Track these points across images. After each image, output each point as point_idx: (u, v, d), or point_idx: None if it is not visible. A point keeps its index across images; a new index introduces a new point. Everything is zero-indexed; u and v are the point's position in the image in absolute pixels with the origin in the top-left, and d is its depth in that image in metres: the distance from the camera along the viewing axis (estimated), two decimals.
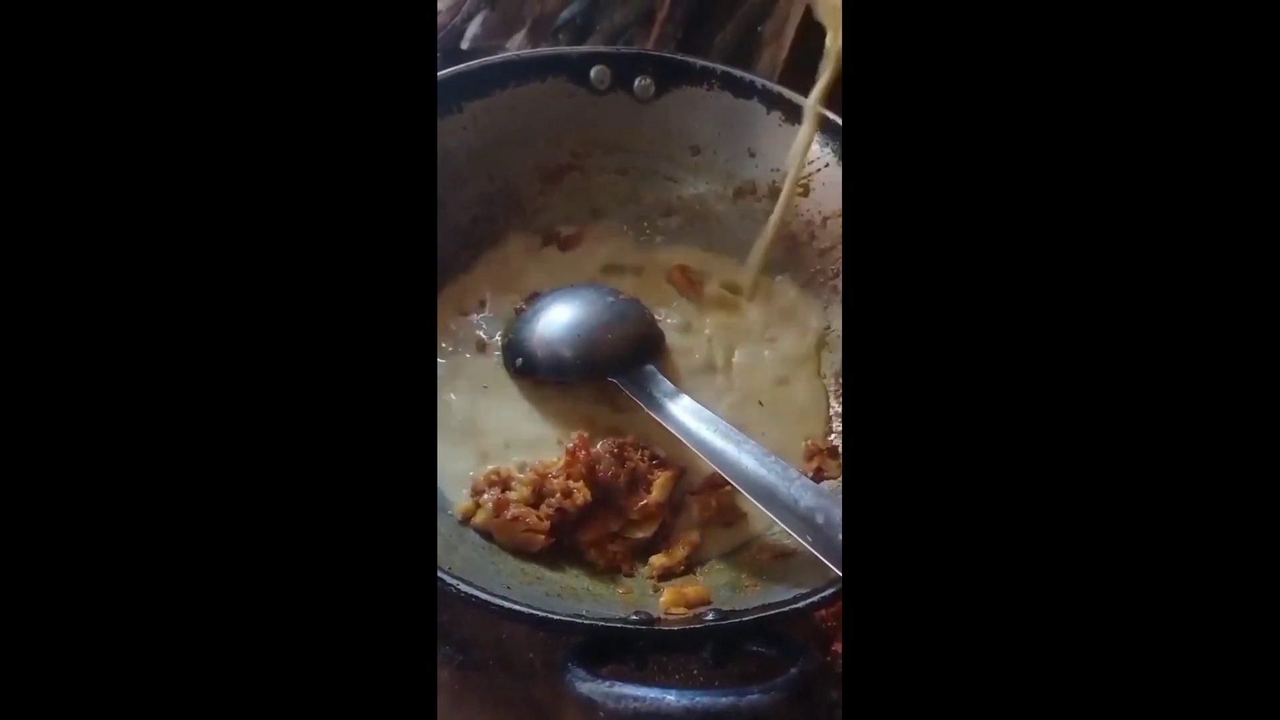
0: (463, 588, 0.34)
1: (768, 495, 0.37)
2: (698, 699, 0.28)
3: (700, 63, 0.49)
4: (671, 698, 0.28)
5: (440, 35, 0.58)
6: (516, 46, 0.59)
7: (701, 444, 0.40)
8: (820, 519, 0.36)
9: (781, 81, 0.54)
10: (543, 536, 0.40)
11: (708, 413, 0.41)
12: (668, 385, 0.43)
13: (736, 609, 0.36)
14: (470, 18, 0.59)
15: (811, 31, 0.56)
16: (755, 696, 0.28)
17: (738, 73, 0.49)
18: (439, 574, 0.34)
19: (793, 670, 0.29)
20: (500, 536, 0.41)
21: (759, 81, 0.49)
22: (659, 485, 0.42)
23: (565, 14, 0.60)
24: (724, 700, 0.28)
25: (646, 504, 0.42)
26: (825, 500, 0.36)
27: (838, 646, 0.43)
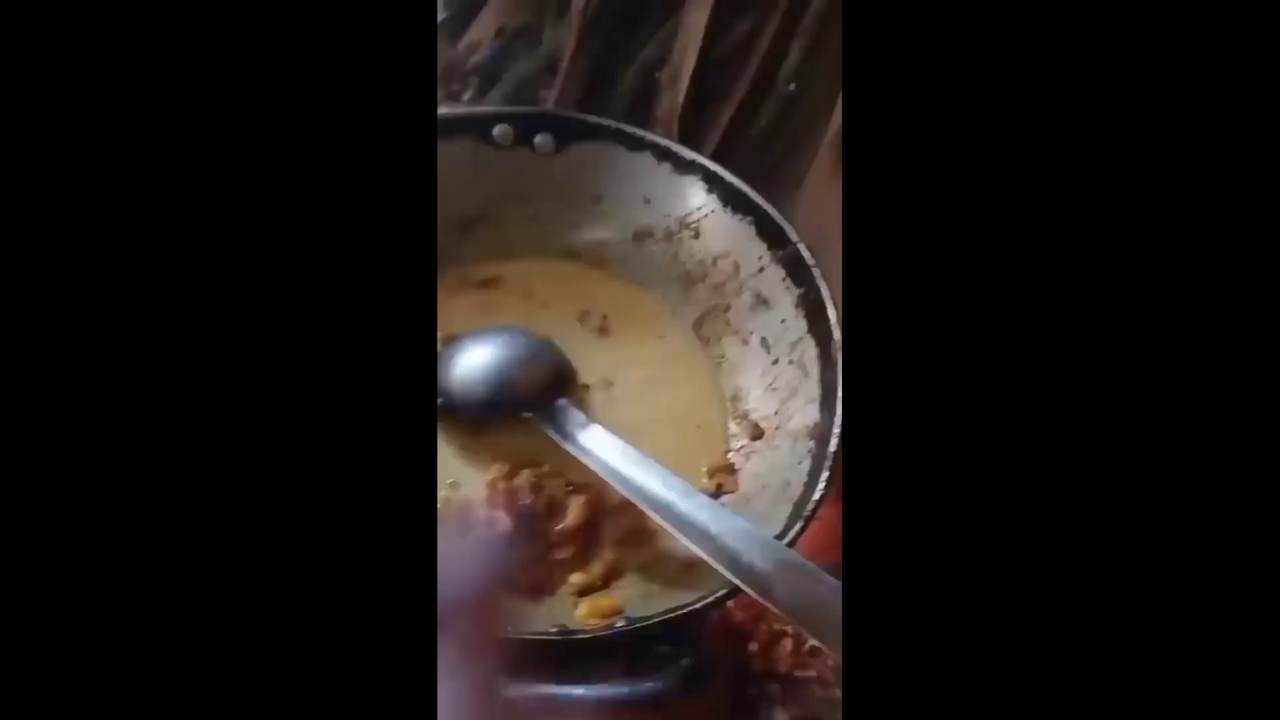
0: None
1: (668, 512, 0.42)
2: (603, 691, 0.32)
3: (594, 120, 0.54)
4: (579, 691, 0.32)
5: None
6: None
7: (609, 470, 0.44)
8: (713, 529, 0.40)
9: (681, 122, 0.59)
10: None
11: (618, 441, 0.46)
12: (580, 417, 0.47)
13: (645, 615, 0.40)
14: None
15: (706, 74, 0.61)
16: (650, 684, 0.32)
17: (629, 129, 0.54)
18: None
19: (683, 661, 0.34)
20: None
21: (649, 137, 0.54)
22: (574, 510, 0.46)
23: (474, 59, 0.64)
24: (624, 690, 0.32)
25: (564, 527, 0.46)
26: (719, 512, 0.41)
27: (754, 646, 0.47)
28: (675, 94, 0.62)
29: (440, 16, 0.64)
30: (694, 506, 0.42)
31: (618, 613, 0.42)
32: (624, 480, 0.44)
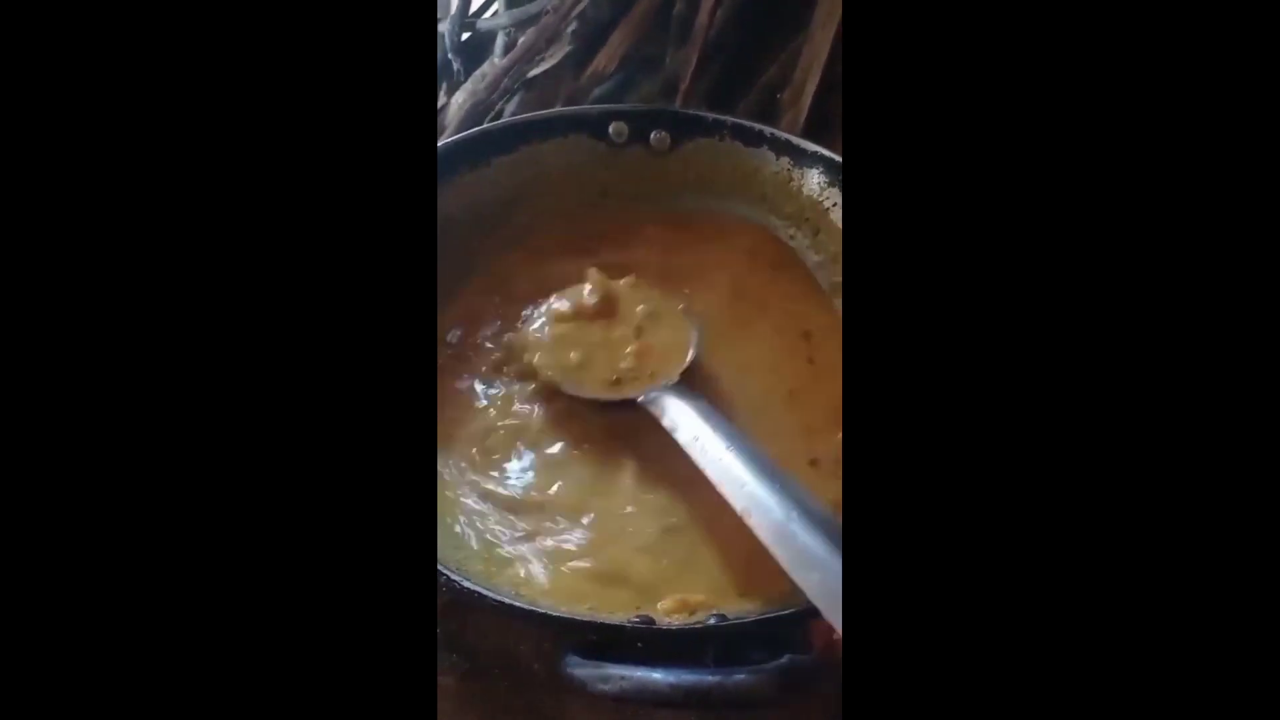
0: (465, 583, 0.35)
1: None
2: (684, 677, 0.28)
3: (711, 115, 0.53)
4: (658, 675, 0.28)
5: (479, 112, 0.62)
6: None
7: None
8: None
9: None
10: None
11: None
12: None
13: (740, 615, 0.36)
14: (508, 97, 0.64)
15: (828, 95, 0.59)
16: (742, 677, 0.27)
17: (746, 123, 0.52)
18: (443, 570, 0.35)
19: (784, 657, 0.29)
20: None
21: (767, 130, 0.52)
22: None
23: (597, 91, 0.64)
24: (710, 679, 0.27)
25: None
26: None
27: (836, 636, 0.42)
28: (796, 114, 0.60)
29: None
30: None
31: (707, 609, 0.37)
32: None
